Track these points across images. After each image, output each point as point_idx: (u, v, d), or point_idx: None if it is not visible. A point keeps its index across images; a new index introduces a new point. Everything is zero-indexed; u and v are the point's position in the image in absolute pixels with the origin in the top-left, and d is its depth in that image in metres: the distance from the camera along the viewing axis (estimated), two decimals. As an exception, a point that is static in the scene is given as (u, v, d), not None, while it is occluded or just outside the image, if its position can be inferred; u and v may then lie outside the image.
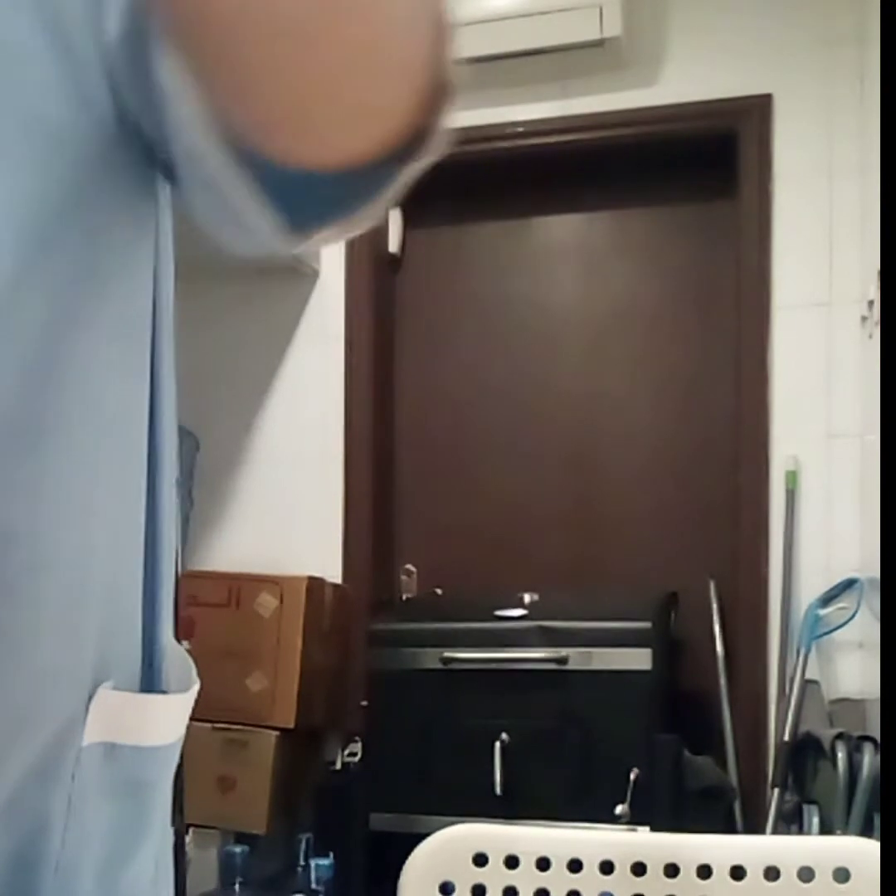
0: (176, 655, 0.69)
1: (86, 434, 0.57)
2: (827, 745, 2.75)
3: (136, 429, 0.62)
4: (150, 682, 0.66)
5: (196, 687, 0.70)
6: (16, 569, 0.53)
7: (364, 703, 3.14)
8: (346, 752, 3.25)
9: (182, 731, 0.70)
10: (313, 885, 3.07)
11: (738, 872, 1.12)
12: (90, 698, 0.60)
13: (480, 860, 1.15)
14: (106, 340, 0.58)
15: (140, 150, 0.59)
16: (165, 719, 0.67)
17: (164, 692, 0.67)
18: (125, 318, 0.60)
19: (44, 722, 0.58)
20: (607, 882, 1.13)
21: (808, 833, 2.75)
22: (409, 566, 3.65)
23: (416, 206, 3.59)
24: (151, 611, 0.66)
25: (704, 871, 1.13)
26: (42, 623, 0.56)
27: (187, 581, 3.03)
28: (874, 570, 2.82)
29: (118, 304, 0.60)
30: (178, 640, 0.73)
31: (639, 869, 1.13)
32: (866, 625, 3.01)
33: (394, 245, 3.68)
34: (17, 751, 0.56)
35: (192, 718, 0.73)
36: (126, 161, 0.59)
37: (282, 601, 3.17)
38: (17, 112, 0.53)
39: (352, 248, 3.57)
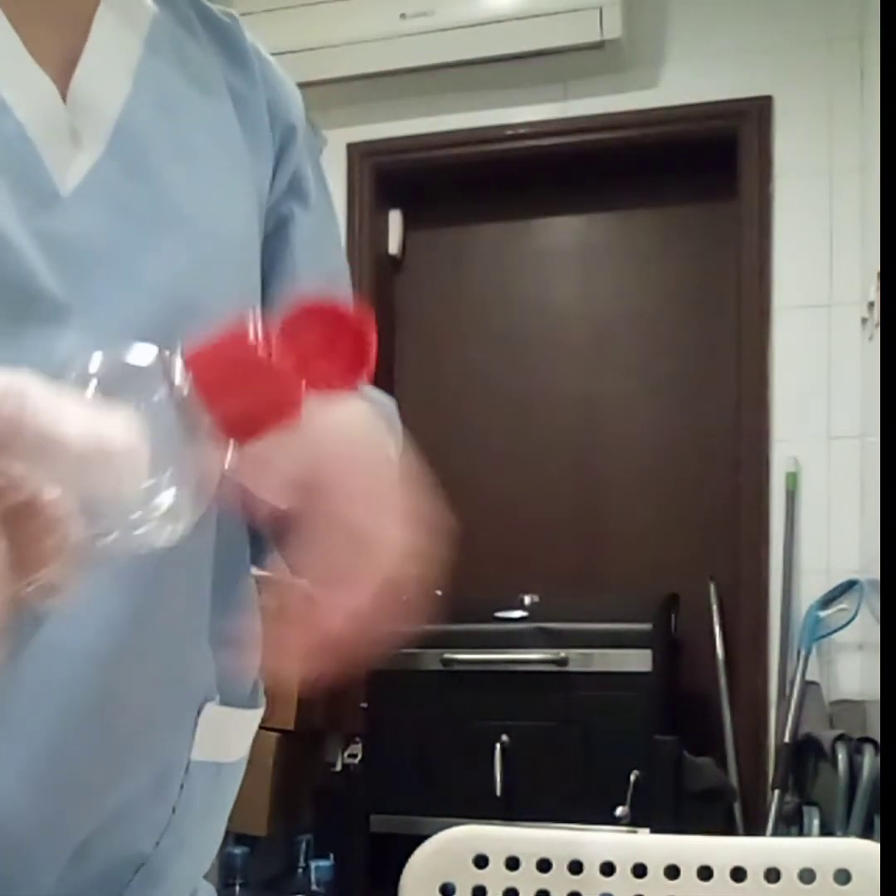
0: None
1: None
2: (827, 747, 2.75)
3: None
4: (245, 698, 0.72)
5: (263, 701, 0.76)
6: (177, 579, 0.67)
7: (364, 704, 3.13)
8: (347, 753, 3.24)
9: (250, 740, 0.75)
10: (313, 887, 3.08)
11: (738, 874, 1.12)
12: (199, 712, 0.65)
13: (481, 862, 1.15)
14: None
15: None
16: (249, 733, 0.74)
17: (254, 707, 0.73)
18: None
19: (162, 731, 0.63)
20: (608, 883, 1.13)
21: (809, 835, 2.74)
22: (409, 567, 3.65)
23: (417, 208, 3.60)
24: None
25: (705, 873, 1.12)
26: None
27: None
28: (874, 572, 2.82)
29: None
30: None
31: (639, 870, 1.13)
32: (866, 626, 3.01)
33: (394, 246, 3.68)
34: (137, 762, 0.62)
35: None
36: None
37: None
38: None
39: (352, 249, 3.56)
